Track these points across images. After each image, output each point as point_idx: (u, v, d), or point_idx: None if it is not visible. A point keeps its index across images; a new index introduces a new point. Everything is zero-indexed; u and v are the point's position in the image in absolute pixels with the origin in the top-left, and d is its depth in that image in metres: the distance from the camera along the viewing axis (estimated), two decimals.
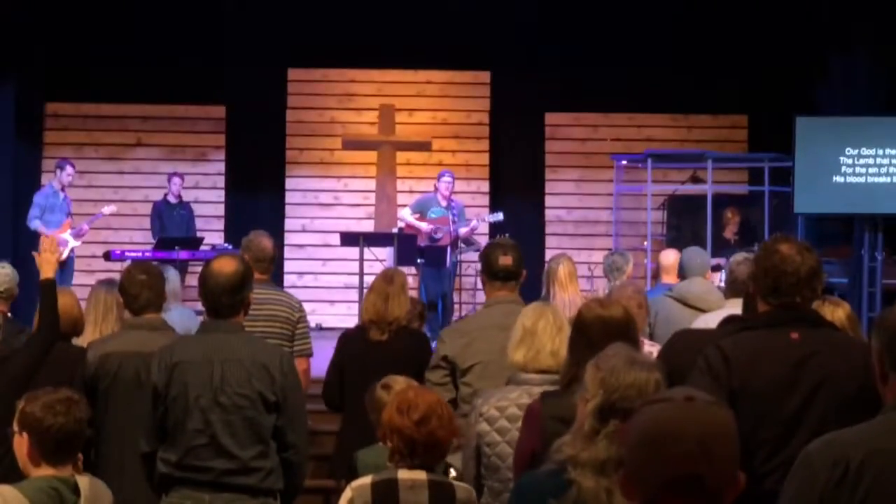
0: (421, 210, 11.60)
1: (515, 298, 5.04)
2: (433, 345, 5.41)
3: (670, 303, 6.32)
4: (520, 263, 5.05)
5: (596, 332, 3.61)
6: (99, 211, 12.01)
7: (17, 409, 3.45)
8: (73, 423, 3.45)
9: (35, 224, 11.45)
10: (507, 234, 11.38)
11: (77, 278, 11.72)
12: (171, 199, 12.29)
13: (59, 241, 11.25)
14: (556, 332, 4.08)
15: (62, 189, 11.75)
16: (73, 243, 11.63)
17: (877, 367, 2.54)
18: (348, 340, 5.90)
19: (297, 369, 4.41)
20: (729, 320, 4.18)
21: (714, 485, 1.90)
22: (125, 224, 13.11)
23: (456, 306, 11.75)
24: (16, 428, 3.44)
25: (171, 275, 7.13)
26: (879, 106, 11.33)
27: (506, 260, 5.01)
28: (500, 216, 11.72)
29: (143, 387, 4.56)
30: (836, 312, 4.59)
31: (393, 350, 5.52)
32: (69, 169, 11.78)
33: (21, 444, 3.43)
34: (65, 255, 11.32)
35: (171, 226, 12.12)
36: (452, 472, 3.96)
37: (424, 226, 11.44)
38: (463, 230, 11.51)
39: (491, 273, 5.05)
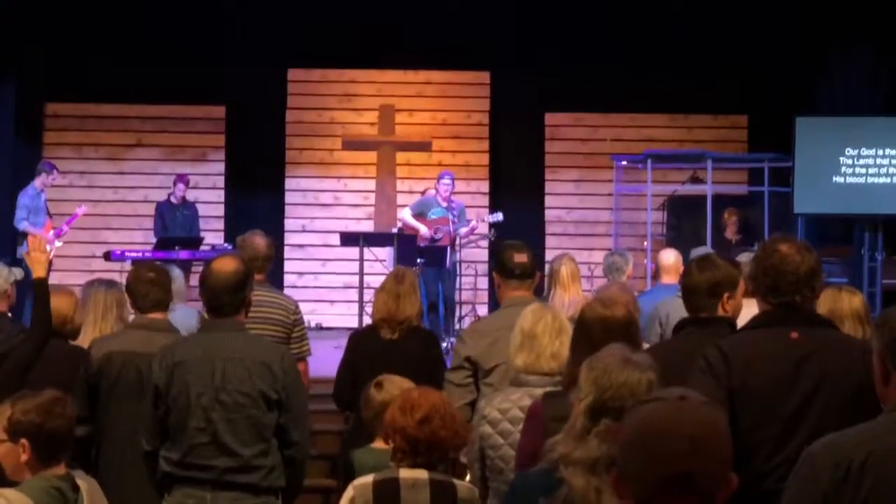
0: (421, 211, 11.59)
1: (533, 299, 5.01)
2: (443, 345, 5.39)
3: (679, 303, 6.28)
4: (534, 263, 5.05)
5: (597, 332, 3.60)
6: (74, 212, 12.01)
7: (5, 416, 3.41)
8: (68, 422, 3.48)
9: (23, 225, 11.46)
10: (493, 231, 11.41)
11: (77, 278, 11.68)
12: (174, 201, 12.28)
13: (48, 239, 11.33)
14: (556, 334, 4.07)
15: (43, 190, 11.75)
16: (57, 243, 11.65)
17: (877, 367, 2.54)
18: (359, 339, 5.88)
19: None
20: (681, 325, 4.14)
21: (706, 483, 1.90)
22: (125, 224, 13.12)
23: (457, 307, 11.72)
24: (4, 436, 3.41)
25: (176, 274, 7.13)
26: (879, 106, 11.34)
27: (521, 258, 5.00)
28: (499, 216, 11.72)
29: (145, 387, 4.55)
30: (853, 301, 4.60)
31: (403, 349, 5.52)
32: (55, 173, 11.80)
33: (14, 451, 3.41)
34: (50, 256, 11.32)
35: (174, 226, 12.10)
36: (468, 476, 3.96)
37: (423, 229, 11.44)
38: (463, 230, 11.51)
39: (507, 272, 5.02)
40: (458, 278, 11.63)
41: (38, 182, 11.71)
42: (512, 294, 5.04)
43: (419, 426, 3.66)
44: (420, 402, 3.72)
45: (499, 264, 5.08)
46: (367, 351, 5.72)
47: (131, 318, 5.17)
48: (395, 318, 5.66)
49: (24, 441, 3.39)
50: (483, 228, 12.06)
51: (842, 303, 4.67)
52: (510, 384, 4.15)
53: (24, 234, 11.38)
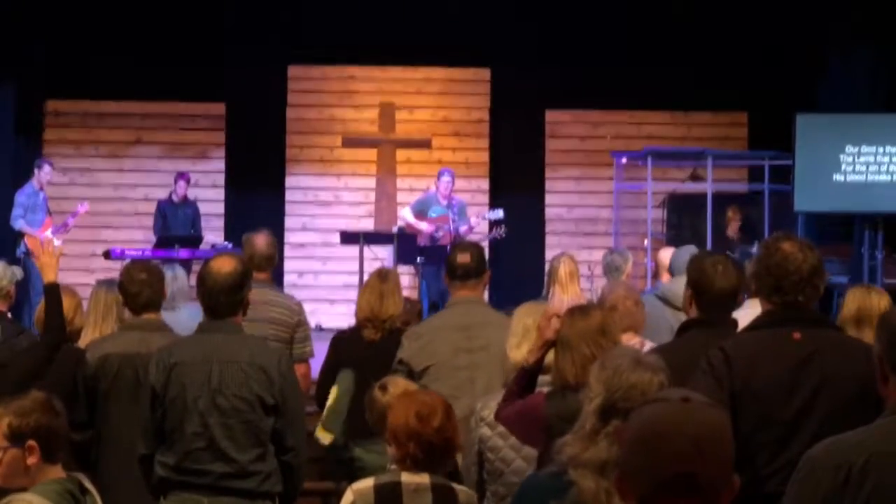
0: (422, 209, 11.58)
1: (477, 298, 5.00)
2: None
3: (654, 301, 6.28)
4: (480, 262, 4.99)
5: (575, 339, 3.60)
6: (75, 209, 11.97)
7: (3, 423, 3.34)
8: (65, 420, 3.46)
9: (19, 224, 11.44)
10: (503, 227, 11.37)
11: (77, 277, 11.70)
12: (175, 199, 12.27)
13: (42, 240, 11.29)
14: None
15: (41, 188, 11.73)
16: (55, 242, 11.60)
17: (877, 368, 2.53)
18: (342, 341, 5.87)
19: (297, 373, 4.38)
20: (685, 326, 4.13)
21: (709, 485, 1.90)
22: (125, 222, 13.11)
23: None
24: (6, 444, 3.33)
25: (180, 273, 7.11)
26: (880, 103, 11.32)
27: (464, 258, 4.97)
28: (500, 213, 11.71)
29: (142, 387, 4.53)
30: (882, 301, 4.61)
31: (387, 351, 5.48)
32: (47, 168, 11.77)
33: (20, 455, 3.33)
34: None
35: (175, 224, 12.09)
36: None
37: (425, 226, 11.42)
38: (463, 228, 11.49)
39: (450, 272, 5.02)
40: None
41: (35, 180, 11.70)
42: (457, 294, 5.02)
43: (437, 433, 3.61)
44: (435, 407, 3.65)
45: (446, 266, 5.07)
46: (349, 353, 5.70)
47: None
48: (379, 317, 5.64)
49: (31, 443, 3.32)
50: (483, 226, 12.06)
51: (871, 302, 4.68)
52: (505, 385, 4.12)
53: (21, 234, 11.38)
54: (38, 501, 3.21)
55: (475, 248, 5.08)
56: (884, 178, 10.73)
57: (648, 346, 4.97)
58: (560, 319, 3.70)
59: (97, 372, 4.72)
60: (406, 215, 11.70)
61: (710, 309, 4.03)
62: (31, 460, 3.33)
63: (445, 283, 5.16)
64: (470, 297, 4.97)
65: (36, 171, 11.72)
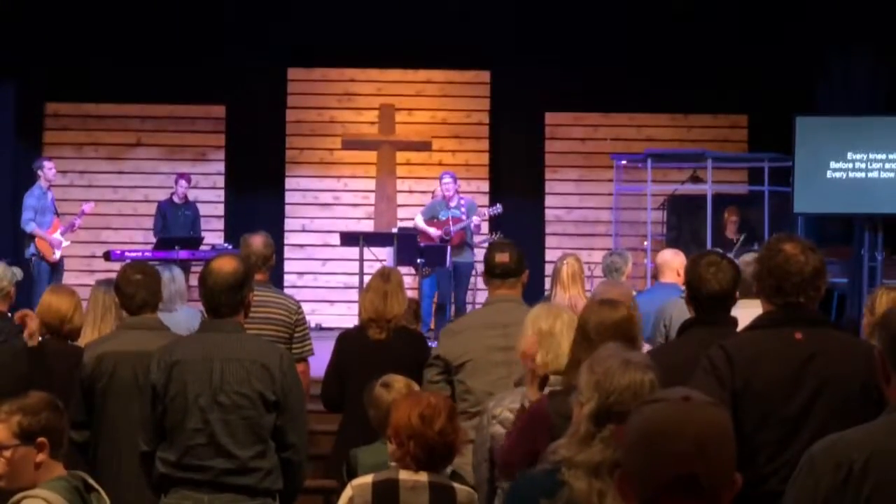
0: (431, 216, 11.59)
1: (515, 297, 5.03)
2: (432, 345, 5.39)
3: (679, 302, 6.25)
4: (519, 261, 5.05)
5: (597, 333, 3.59)
6: (81, 209, 11.93)
7: (12, 421, 3.35)
8: (66, 419, 3.47)
9: (31, 227, 11.40)
10: (499, 233, 11.38)
11: (77, 278, 11.72)
12: (176, 200, 12.26)
13: (53, 242, 11.31)
14: (572, 332, 4.07)
15: (49, 188, 11.72)
16: (65, 243, 11.63)
17: (879, 367, 2.54)
18: (347, 340, 5.87)
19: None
20: (686, 326, 4.14)
21: (711, 485, 1.89)
22: (125, 224, 13.11)
23: (469, 307, 11.58)
24: (17, 441, 3.35)
25: (177, 274, 7.12)
26: (879, 106, 11.33)
27: (502, 257, 5.02)
28: (499, 208, 11.72)
29: (140, 387, 4.52)
30: None
31: (392, 350, 5.50)
32: (48, 165, 11.72)
33: (31, 453, 3.35)
34: (57, 256, 11.40)
35: (175, 226, 12.08)
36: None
37: (433, 231, 11.44)
38: (472, 225, 11.50)
39: (489, 271, 5.08)
40: (474, 278, 11.57)
41: (42, 181, 11.69)
42: (495, 293, 5.07)
43: (439, 435, 3.62)
44: (439, 409, 3.66)
45: (484, 265, 5.14)
46: (354, 351, 5.70)
47: None
48: (383, 318, 5.64)
49: (42, 439, 3.34)
50: (485, 228, 12.06)
51: None
52: (517, 385, 4.12)
53: (31, 236, 11.38)
54: (52, 497, 3.22)
55: (513, 247, 5.11)
56: (883, 179, 10.74)
57: (646, 346, 4.97)
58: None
59: (94, 371, 4.72)
60: (417, 222, 11.69)
61: (708, 309, 4.08)
62: (42, 457, 3.35)
63: (484, 281, 5.21)
64: (508, 295, 5.01)
65: (39, 172, 11.69)
